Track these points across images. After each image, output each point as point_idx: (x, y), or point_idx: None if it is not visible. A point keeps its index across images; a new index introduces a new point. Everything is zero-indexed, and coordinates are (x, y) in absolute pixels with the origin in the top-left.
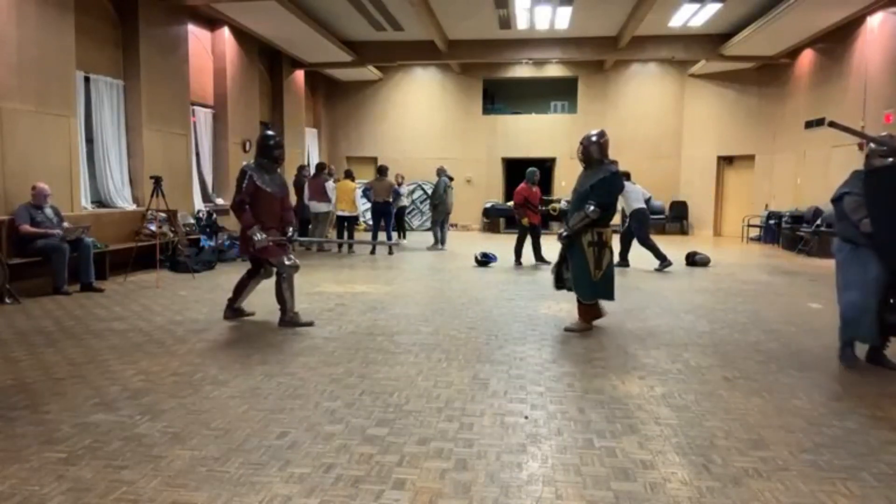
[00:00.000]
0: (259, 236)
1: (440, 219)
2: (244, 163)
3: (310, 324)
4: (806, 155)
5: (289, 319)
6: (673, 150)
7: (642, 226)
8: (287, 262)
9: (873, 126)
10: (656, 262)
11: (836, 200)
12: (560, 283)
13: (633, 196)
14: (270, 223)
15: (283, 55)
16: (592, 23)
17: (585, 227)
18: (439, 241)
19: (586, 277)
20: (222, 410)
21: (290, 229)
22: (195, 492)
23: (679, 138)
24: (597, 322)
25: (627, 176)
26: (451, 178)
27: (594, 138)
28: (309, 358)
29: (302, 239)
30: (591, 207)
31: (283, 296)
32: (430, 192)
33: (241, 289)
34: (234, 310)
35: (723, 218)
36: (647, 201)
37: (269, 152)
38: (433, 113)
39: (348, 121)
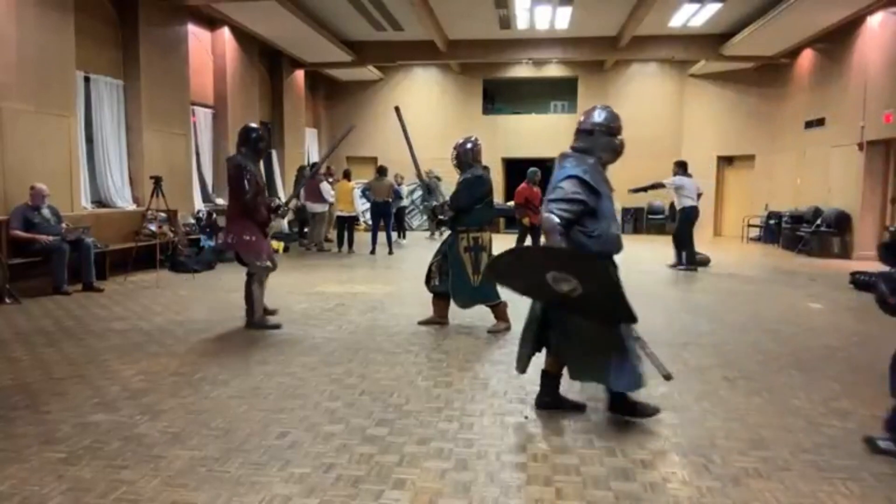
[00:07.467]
0: (280, 218)
1: None
2: (232, 155)
3: (277, 326)
4: (806, 155)
5: (257, 322)
6: (673, 150)
7: (685, 224)
8: (260, 264)
9: (873, 126)
10: (669, 260)
11: None
12: (428, 281)
13: (686, 192)
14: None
15: (283, 55)
16: (592, 23)
17: (461, 233)
18: None
19: (465, 284)
20: (222, 410)
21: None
22: (195, 492)
23: (679, 138)
24: None
25: (684, 168)
26: None
27: (468, 145)
28: (309, 358)
29: None
30: (446, 207)
31: (251, 297)
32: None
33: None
34: (255, 323)
35: (723, 218)
36: (699, 197)
37: (254, 145)
38: (433, 113)
39: (348, 121)
